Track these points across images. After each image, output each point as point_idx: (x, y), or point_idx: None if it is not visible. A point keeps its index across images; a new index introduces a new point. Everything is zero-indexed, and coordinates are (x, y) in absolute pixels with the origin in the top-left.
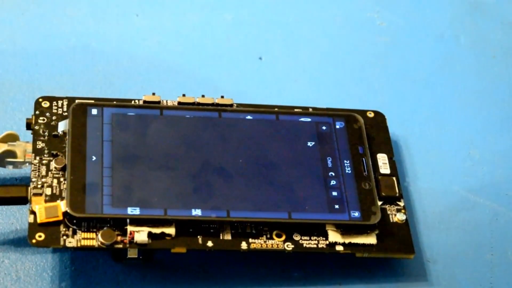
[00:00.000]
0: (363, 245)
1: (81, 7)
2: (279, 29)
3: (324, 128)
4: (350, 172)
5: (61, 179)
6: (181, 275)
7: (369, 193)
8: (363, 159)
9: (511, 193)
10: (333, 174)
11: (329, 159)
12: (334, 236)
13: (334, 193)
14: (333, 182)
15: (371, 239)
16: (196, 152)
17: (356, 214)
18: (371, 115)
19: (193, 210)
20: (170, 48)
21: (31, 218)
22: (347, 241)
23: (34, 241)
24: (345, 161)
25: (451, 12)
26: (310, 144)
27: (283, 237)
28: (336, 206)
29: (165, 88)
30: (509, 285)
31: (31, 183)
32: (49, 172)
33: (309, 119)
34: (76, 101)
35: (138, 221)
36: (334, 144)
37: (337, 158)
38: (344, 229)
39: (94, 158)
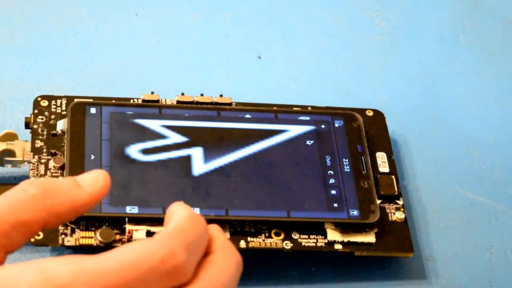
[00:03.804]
0: (362, 243)
1: (80, 6)
2: (278, 28)
3: (323, 126)
4: (349, 170)
5: (60, 178)
6: None
7: (368, 191)
8: (362, 157)
9: (510, 191)
10: (332, 172)
11: (328, 157)
12: (333, 234)
13: (333, 192)
14: (332, 181)
15: (370, 238)
16: None
17: (355, 212)
18: (370, 113)
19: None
20: (169, 47)
21: None
22: (346, 239)
23: (32, 240)
24: (344, 160)
25: (450, 11)
26: (309, 142)
27: (282, 236)
28: (335, 205)
29: (164, 87)
30: (508, 284)
31: None
32: (48, 171)
33: (308, 118)
34: (75, 100)
35: (136, 220)
36: (333, 143)
37: (336, 156)
38: (343, 227)
39: (92, 157)
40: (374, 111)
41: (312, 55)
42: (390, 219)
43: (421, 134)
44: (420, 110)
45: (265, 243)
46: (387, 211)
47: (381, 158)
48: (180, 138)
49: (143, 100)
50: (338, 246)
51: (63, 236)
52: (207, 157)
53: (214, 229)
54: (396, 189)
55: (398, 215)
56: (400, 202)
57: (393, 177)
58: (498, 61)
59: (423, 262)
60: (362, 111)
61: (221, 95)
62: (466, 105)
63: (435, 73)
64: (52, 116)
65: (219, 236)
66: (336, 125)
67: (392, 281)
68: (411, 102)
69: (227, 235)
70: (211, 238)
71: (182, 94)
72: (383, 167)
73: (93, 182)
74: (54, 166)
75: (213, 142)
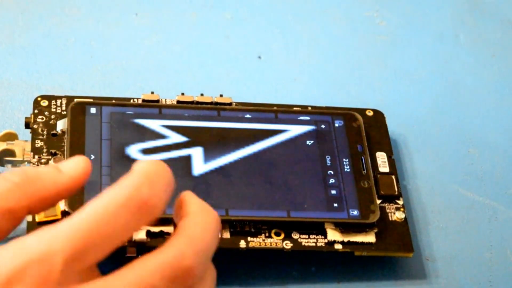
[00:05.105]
0: (362, 243)
1: (80, 6)
2: (278, 28)
3: (323, 126)
4: (349, 170)
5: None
6: None
7: (368, 191)
8: (362, 157)
9: (510, 191)
10: (332, 172)
11: (328, 157)
12: (333, 234)
13: (333, 192)
14: (332, 181)
15: (370, 238)
16: None
17: (355, 212)
18: (370, 113)
19: None
20: (169, 47)
21: (29, 217)
22: (346, 239)
23: None
24: (344, 160)
25: (450, 11)
26: (309, 142)
27: (282, 236)
28: (335, 205)
29: (164, 87)
30: (508, 283)
31: None
32: None
33: (308, 118)
34: (75, 100)
35: None
36: (333, 143)
37: (336, 156)
38: (343, 227)
39: (92, 156)
40: (374, 111)
41: (312, 55)
42: (390, 219)
43: (421, 134)
44: (420, 110)
45: (265, 243)
46: (387, 211)
47: (381, 158)
48: (180, 138)
49: (143, 100)
50: (338, 246)
51: None
52: (207, 157)
53: (189, 194)
54: (396, 189)
55: (398, 215)
56: (400, 202)
57: (393, 177)
58: (498, 61)
59: (423, 262)
60: (362, 111)
61: (221, 95)
62: (466, 105)
63: (435, 73)
64: (52, 116)
65: (194, 199)
66: (336, 125)
67: (392, 281)
68: (411, 102)
69: (227, 235)
70: (186, 201)
71: (182, 94)
72: (383, 167)
73: (73, 166)
74: None
75: (213, 142)
